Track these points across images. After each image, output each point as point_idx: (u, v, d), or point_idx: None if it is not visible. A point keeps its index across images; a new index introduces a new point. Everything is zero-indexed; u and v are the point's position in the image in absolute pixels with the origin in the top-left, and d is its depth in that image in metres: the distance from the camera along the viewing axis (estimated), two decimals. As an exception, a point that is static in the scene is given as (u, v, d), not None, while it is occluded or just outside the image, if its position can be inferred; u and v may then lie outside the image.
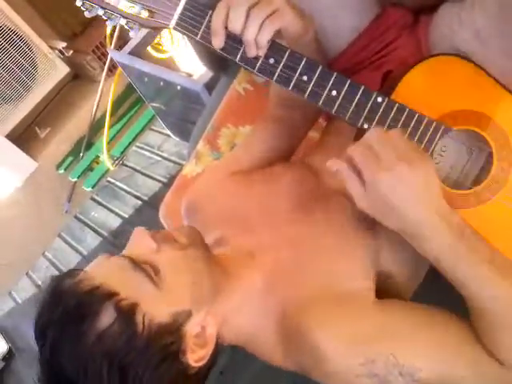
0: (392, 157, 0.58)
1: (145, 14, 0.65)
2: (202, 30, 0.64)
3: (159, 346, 0.59)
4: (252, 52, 0.63)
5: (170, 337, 0.60)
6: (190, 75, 1.94)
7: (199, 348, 0.63)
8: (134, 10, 0.65)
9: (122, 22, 0.66)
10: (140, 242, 0.66)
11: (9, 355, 2.06)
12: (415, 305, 0.70)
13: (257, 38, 0.62)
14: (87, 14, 0.67)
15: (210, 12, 0.63)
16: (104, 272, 0.62)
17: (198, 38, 0.64)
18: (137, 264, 0.61)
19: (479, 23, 0.67)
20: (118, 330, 0.57)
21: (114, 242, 2.18)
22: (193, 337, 0.63)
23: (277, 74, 0.65)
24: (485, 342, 0.62)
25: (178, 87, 1.68)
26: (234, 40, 0.63)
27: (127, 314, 0.58)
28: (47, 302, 0.60)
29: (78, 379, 0.57)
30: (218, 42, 0.63)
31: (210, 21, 0.63)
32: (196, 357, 0.62)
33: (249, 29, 0.61)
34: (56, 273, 2.18)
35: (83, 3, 0.66)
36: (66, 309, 0.58)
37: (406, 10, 0.82)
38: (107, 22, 0.68)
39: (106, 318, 0.57)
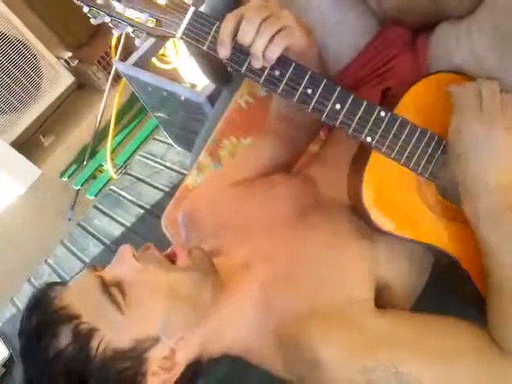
0: (496, 115, 0.59)
1: (152, 23, 0.64)
2: (208, 40, 0.63)
3: (114, 370, 0.60)
4: (258, 64, 0.63)
5: (127, 361, 0.60)
6: (193, 86, 1.96)
7: (164, 371, 0.63)
8: (141, 18, 0.64)
9: (129, 29, 0.65)
10: (122, 262, 0.66)
11: (9, 361, 2.06)
12: (415, 313, 0.69)
13: (265, 53, 0.62)
14: (93, 21, 0.66)
15: (218, 23, 0.63)
16: (76, 291, 0.64)
17: (204, 48, 0.64)
18: (106, 286, 0.62)
19: (477, 47, 0.68)
20: (73, 352, 0.59)
21: (116, 250, 2.18)
22: (159, 359, 0.62)
23: (281, 87, 0.65)
24: (497, 329, 0.61)
25: (182, 98, 1.70)
26: (241, 51, 0.64)
27: (83, 338, 0.59)
28: (25, 310, 0.63)
29: None
30: (224, 52, 0.62)
31: (216, 31, 0.63)
32: (159, 380, 0.62)
33: (258, 42, 0.61)
34: (58, 280, 2.19)
35: (90, 10, 0.64)
36: (32, 323, 0.61)
37: (404, 29, 0.83)
38: (113, 30, 0.66)
39: (63, 339, 0.59)
